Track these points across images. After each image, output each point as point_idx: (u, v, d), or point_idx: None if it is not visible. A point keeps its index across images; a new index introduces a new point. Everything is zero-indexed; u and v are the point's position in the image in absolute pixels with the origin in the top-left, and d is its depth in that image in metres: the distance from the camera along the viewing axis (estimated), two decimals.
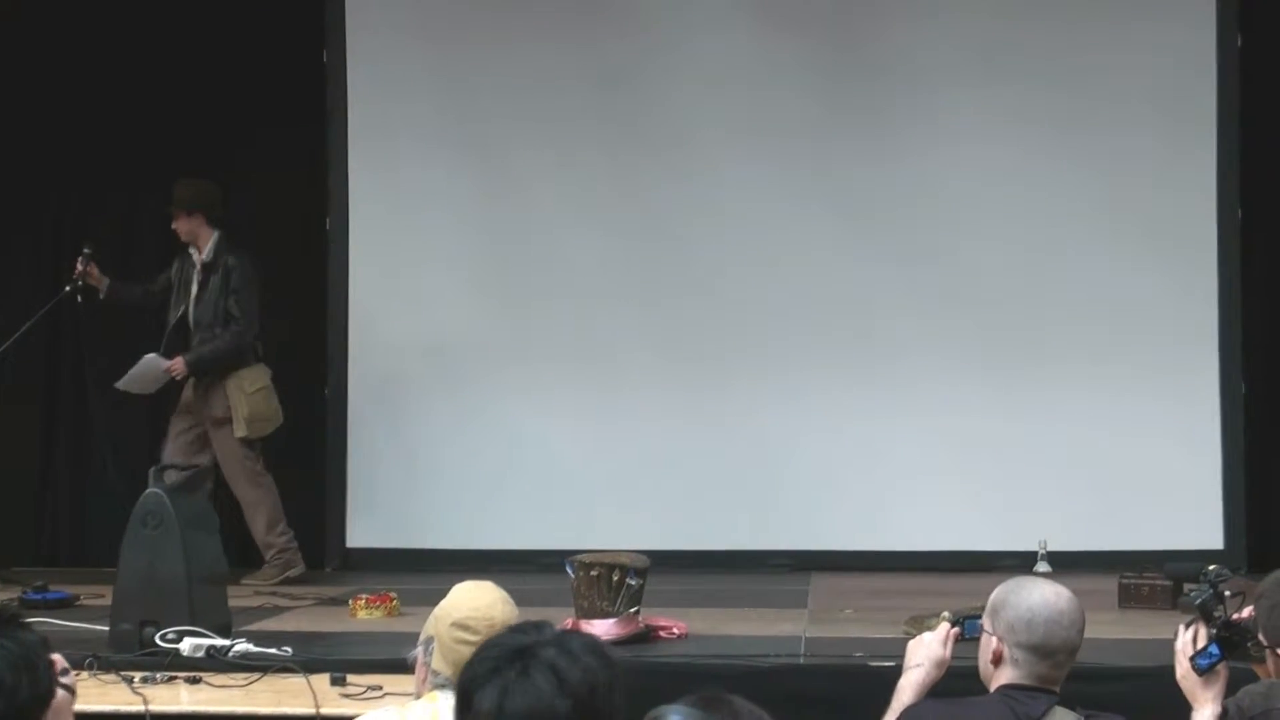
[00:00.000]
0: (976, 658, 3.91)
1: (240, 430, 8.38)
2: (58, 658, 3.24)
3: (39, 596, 7.58)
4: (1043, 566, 8.47)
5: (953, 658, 4.07)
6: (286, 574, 8.45)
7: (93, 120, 9.41)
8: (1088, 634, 3.91)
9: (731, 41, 9.27)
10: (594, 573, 6.40)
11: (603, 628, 6.27)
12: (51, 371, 9.46)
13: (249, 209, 9.41)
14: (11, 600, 7.32)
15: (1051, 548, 8.68)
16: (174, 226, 8.52)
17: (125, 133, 9.37)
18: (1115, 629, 6.58)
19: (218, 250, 8.47)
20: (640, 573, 6.44)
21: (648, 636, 6.45)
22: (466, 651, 3.33)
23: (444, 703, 3.44)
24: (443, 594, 3.75)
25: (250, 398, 8.40)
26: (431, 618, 3.63)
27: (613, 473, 9.26)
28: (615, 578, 6.37)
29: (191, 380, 8.47)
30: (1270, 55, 9.03)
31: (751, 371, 9.22)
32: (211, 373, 8.43)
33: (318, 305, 9.47)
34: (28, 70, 9.42)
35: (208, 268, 8.47)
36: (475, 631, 3.50)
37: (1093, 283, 9.09)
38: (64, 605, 7.50)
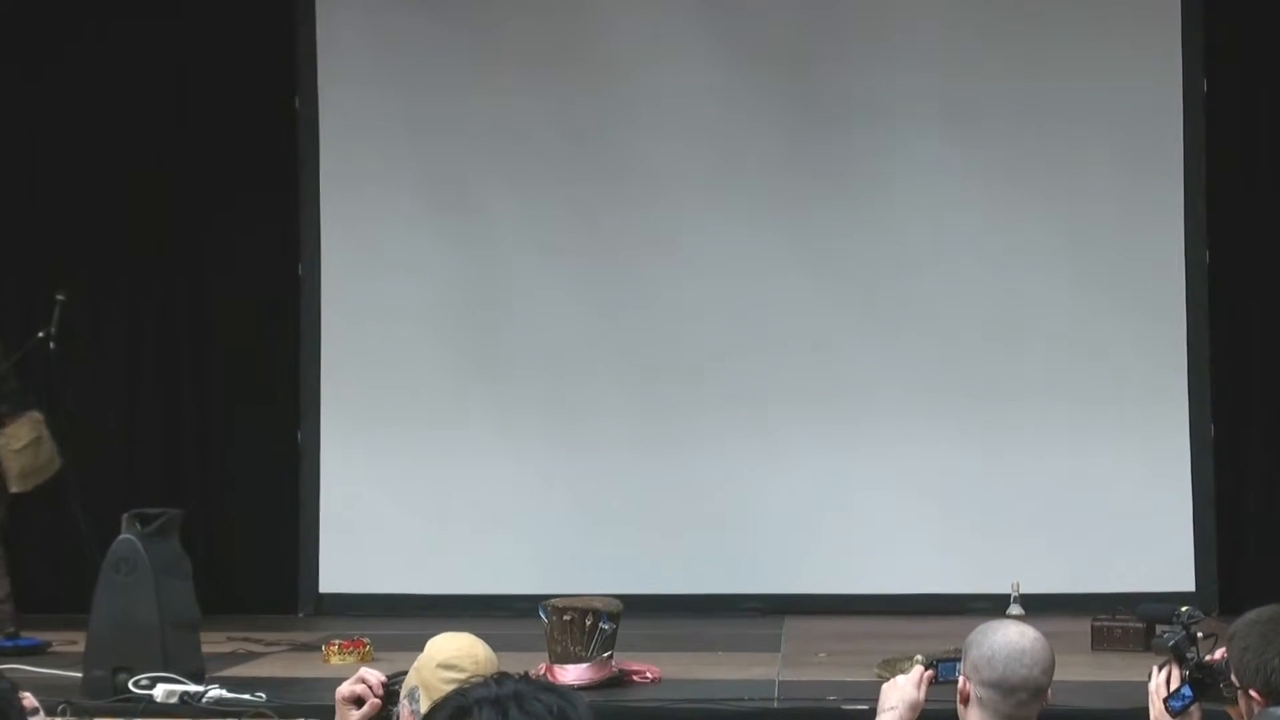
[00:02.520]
0: (950, 700, 3.92)
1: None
2: (28, 697, 3.24)
3: (10, 643, 7.56)
4: (1015, 609, 8.47)
5: (926, 700, 4.08)
6: None
7: (61, 167, 9.42)
8: (1061, 676, 3.93)
9: (700, 93, 9.32)
10: (567, 617, 6.40)
11: (576, 672, 6.27)
12: None
13: (222, 256, 9.44)
14: None
15: (1024, 590, 8.68)
16: None
17: (95, 179, 9.37)
18: (1088, 671, 6.59)
19: None
20: (613, 617, 6.44)
21: (621, 681, 6.46)
22: None
23: None
24: (416, 638, 3.75)
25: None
26: (412, 670, 3.64)
27: (585, 518, 9.25)
28: (588, 622, 6.37)
29: None
30: (1235, 98, 9.10)
31: (723, 417, 9.23)
32: None
33: (290, 352, 9.46)
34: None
35: None
36: (461, 669, 3.52)
37: (1062, 329, 9.14)
38: (36, 652, 7.47)
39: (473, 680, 3.34)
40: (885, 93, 9.25)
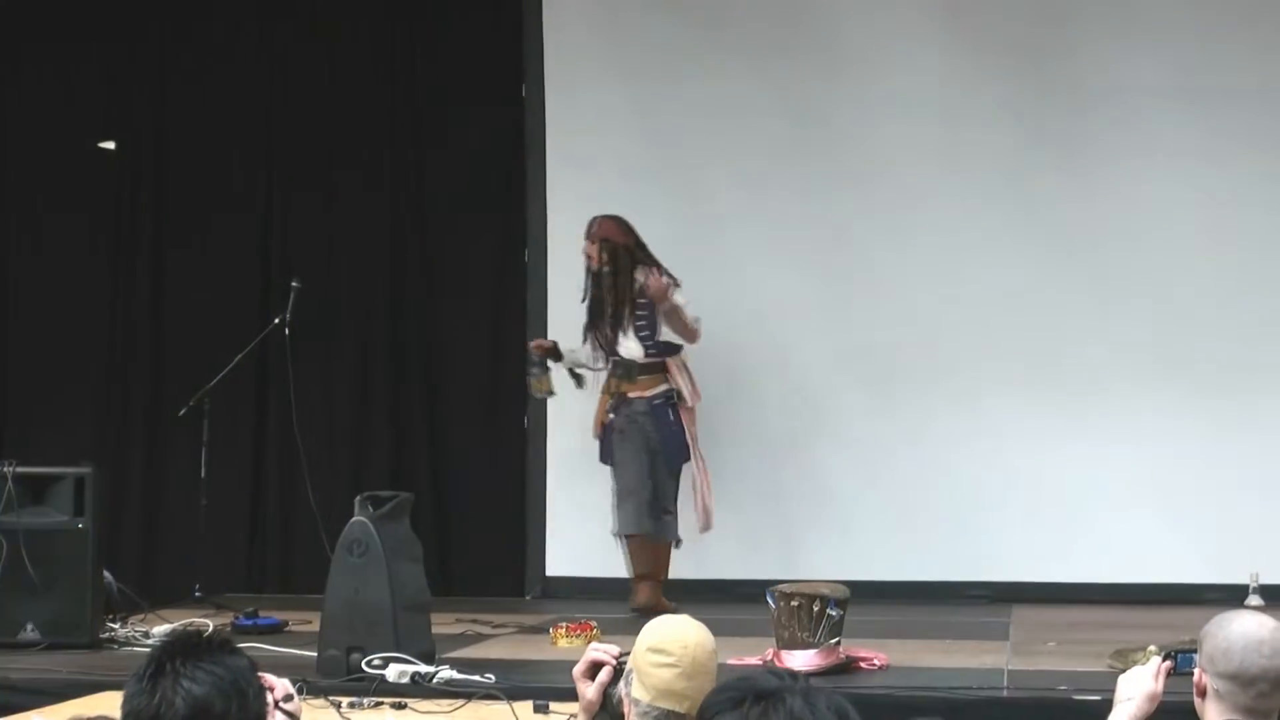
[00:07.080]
0: (1188, 693, 3.84)
1: None
2: (284, 683, 3.30)
3: (250, 622, 7.75)
4: (1255, 600, 8.22)
5: (1164, 693, 3.99)
6: None
7: (296, 151, 9.63)
8: None
9: (926, 72, 9.23)
10: (794, 603, 6.38)
11: (803, 658, 6.25)
12: (261, 402, 9.65)
13: (449, 243, 9.58)
14: (224, 626, 7.49)
15: (1264, 580, 8.44)
16: None
17: (326, 162, 9.58)
18: None
19: None
20: (840, 603, 6.40)
21: (849, 667, 6.41)
22: (664, 674, 3.42)
23: None
24: (641, 621, 3.78)
25: None
26: (632, 652, 3.68)
27: (812, 503, 9.22)
28: (816, 608, 6.34)
29: None
30: None
31: (950, 402, 9.14)
32: None
33: (517, 337, 9.56)
34: (238, 112, 9.68)
35: None
36: (670, 653, 3.54)
37: None
38: (274, 631, 7.64)
39: (680, 664, 3.40)
40: (1116, 71, 9.07)
